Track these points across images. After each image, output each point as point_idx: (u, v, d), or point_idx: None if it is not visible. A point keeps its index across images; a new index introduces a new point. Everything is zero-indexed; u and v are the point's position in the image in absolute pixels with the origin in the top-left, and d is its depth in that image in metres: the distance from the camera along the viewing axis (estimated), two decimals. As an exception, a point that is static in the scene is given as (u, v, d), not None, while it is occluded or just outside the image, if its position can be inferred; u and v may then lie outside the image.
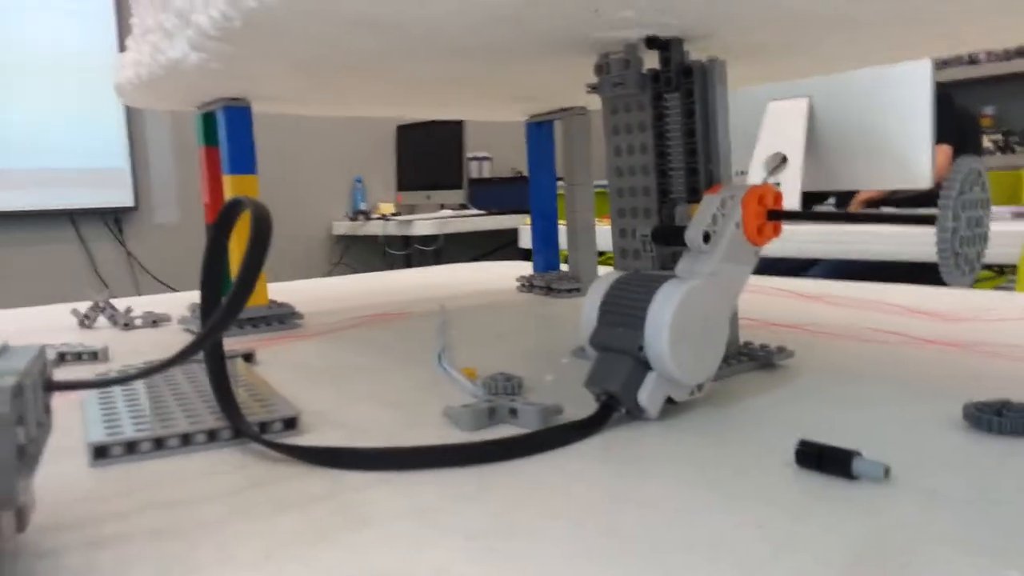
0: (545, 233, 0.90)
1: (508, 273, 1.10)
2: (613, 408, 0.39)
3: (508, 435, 0.37)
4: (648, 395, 0.39)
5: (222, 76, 0.56)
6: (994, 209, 0.64)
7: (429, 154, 3.66)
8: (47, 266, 2.97)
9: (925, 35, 0.47)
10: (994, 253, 1.32)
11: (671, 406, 0.41)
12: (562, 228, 0.89)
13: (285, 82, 0.60)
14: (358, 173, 3.68)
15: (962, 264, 0.37)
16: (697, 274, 0.42)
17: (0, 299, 2.88)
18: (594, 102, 0.80)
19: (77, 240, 3.02)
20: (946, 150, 2.32)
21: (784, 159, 1.66)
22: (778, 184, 1.67)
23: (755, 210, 0.44)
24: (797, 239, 1.49)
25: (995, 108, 3.92)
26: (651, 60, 0.51)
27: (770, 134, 1.68)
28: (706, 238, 0.43)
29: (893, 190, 1.77)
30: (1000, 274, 2.03)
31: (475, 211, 3.51)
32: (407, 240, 3.53)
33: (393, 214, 3.54)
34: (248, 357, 0.56)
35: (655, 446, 0.36)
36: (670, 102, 0.50)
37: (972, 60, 3.95)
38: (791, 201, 1.58)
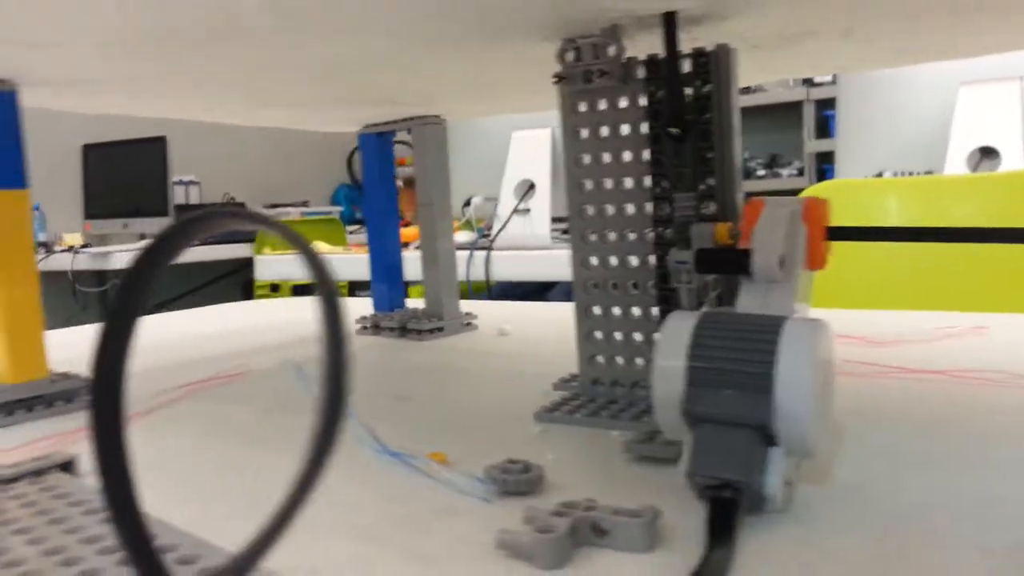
0: (388, 264, 0.75)
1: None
2: (736, 503, 0.28)
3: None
4: (779, 480, 0.29)
5: None
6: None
7: (125, 177, 3.24)
8: None
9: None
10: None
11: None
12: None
13: (81, 54, 0.41)
14: (35, 199, 3.12)
15: None
16: (782, 311, 0.33)
17: None
18: (457, 111, 0.68)
19: None
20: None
21: (532, 186, 1.70)
22: (528, 210, 1.69)
23: (820, 227, 0.35)
24: (539, 263, 1.54)
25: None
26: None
27: (517, 162, 1.73)
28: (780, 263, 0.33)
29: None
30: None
31: (186, 241, 3.14)
32: (102, 275, 3.06)
33: (83, 246, 3.04)
34: (67, 467, 0.36)
35: (852, 560, 0.26)
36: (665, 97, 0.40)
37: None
38: (543, 226, 1.63)
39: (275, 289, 2.91)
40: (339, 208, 3.72)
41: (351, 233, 3.37)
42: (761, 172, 4.00)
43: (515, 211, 1.65)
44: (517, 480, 0.33)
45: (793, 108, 3.96)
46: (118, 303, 0.21)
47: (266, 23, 0.35)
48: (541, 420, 0.43)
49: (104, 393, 0.21)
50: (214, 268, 3.20)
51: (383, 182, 0.75)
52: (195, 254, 2.99)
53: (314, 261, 0.17)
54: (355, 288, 2.58)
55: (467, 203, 1.79)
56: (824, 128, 3.47)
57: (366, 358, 0.64)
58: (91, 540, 0.27)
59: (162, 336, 0.81)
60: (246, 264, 3.09)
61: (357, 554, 0.27)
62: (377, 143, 0.74)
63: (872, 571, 0.25)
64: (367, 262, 0.75)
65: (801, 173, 3.63)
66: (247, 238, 3.06)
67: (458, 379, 0.56)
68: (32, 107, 0.50)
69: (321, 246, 2.47)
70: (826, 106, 3.38)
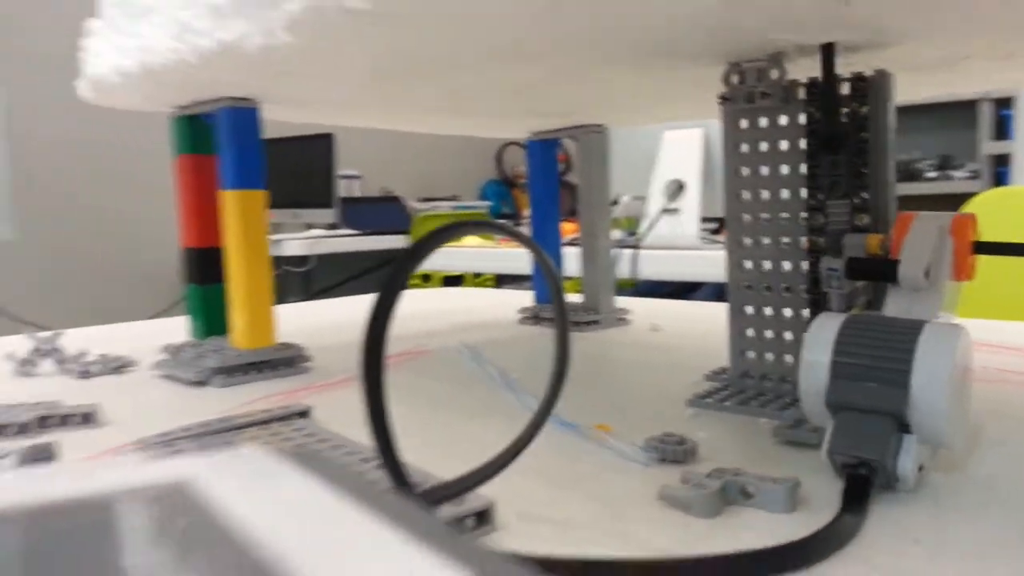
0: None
1: (491, 302, 1.01)
2: (870, 480, 0.33)
3: (808, 531, 0.29)
4: (912, 463, 0.33)
5: (267, 67, 0.45)
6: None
7: (296, 171, 3.48)
8: None
9: None
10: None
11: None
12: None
13: (336, 82, 0.50)
14: (217, 189, 3.40)
15: None
16: (924, 317, 0.36)
17: None
18: (622, 118, 0.74)
19: None
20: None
21: (681, 186, 1.69)
22: (677, 210, 1.70)
23: (967, 241, 0.38)
24: (687, 262, 1.53)
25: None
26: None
27: (667, 162, 1.72)
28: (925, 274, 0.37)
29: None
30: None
31: (348, 231, 3.36)
32: (275, 261, 3.31)
33: (260, 233, 3.29)
34: (303, 414, 0.45)
35: (974, 539, 0.30)
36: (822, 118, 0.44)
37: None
38: (691, 226, 1.63)
39: (426, 279, 3.06)
40: (488, 203, 3.84)
41: (498, 228, 3.46)
42: (931, 174, 3.75)
43: (664, 211, 1.66)
44: (675, 450, 0.38)
45: (968, 107, 3.70)
46: (389, 280, 0.28)
47: (505, 55, 0.42)
48: (693, 405, 0.48)
49: (373, 347, 0.28)
50: (369, 258, 3.40)
51: (547, 184, 0.81)
52: (352, 244, 3.19)
53: (546, 263, 0.23)
54: (502, 281, 2.68)
55: (615, 202, 1.82)
56: (1003, 128, 3.23)
57: (532, 345, 0.70)
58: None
59: (344, 319, 0.91)
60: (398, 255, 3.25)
61: (550, 496, 0.34)
62: (542, 149, 0.81)
63: (992, 550, 0.28)
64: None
65: (976, 176, 3.39)
66: (402, 230, 3.24)
67: (615, 367, 0.62)
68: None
69: (472, 240, 2.59)
70: (1005, 105, 3.15)
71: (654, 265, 1.54)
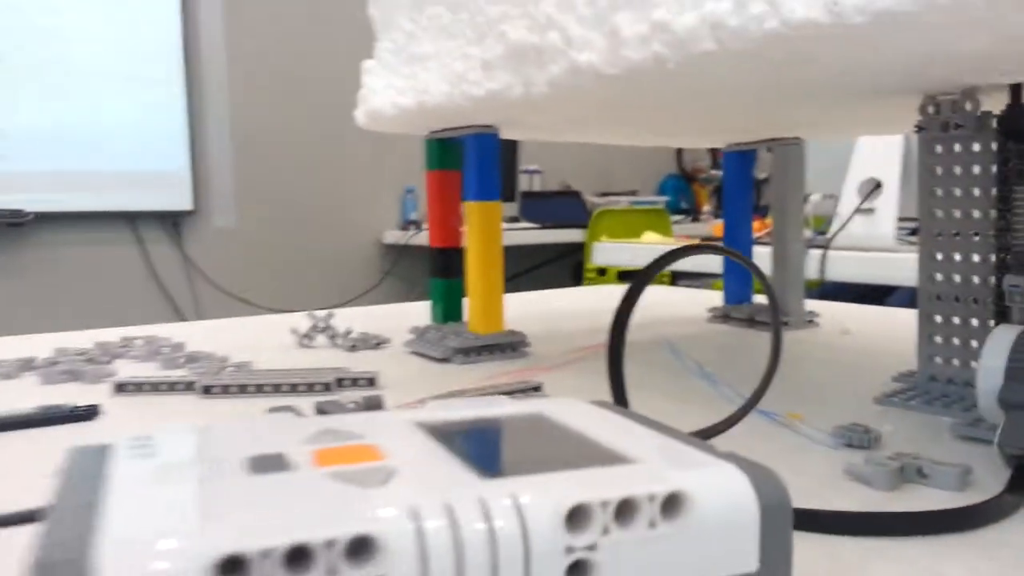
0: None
1: (670, 298, 1.08)
2: (1036, 471, 0.38)
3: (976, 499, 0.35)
4: (1079, 460, 0.38)
5: (518, 108, 0.55)
6: None
7: (482, 166, 3.63)
8: (104, 268, 2.97)
9: None
10: None
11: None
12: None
13: (565, 115, 0.59)
14: (408, 183, 3.66)
15: None
16: (1103, 332, 0.40)
17: (57, 299, 2.89)
18: (810, 133, 0.78)
19: (135, 242, 3.02)
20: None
21: (878, 185, 1.63)
22: (871, 210, 1.65)
23: None
24: (879, 265, 1.47)
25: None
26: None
27: (863, 159, 1.66)
28: (1106, 294, 0.41)
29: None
30: None
31: (528, 224, 3.49)
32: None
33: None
34: (536, 388, 0.55)
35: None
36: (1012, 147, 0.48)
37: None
38: (887, 227, 1.57)
39: (602, 273, 3.14)
40: (665, 198, 3.86)
41: (676, 223, 3.48)
42: None
43: (857, 210, 1.61)
44: (860, 436, 0.44)
45: None
46: (633, 286, 0.37)
47: (725, 99, 0.50)
48: (880, 402, 0.54)
49: (618, 331, 0.38)
50: (548, 251, 3.52)
51: (742, 193, 0.87)
52: (532, 236, 3.32)
53: (765, 282, 0.31)
54: (677, 278, 2.71)
55: (803, 200, 1.79)
56: None
57: (723, 342, 0.77)
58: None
59: (541, 310, 1.02)
60: (576, 248, 3.36)
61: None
62: (739, 159, 0.87)
63: None
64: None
65: None
66: (580, 224, 3.34)
67: (806, 365, 0.68)
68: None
69: (650, 236, 2.64)
70: None
71: (844, 267, 1.50)
